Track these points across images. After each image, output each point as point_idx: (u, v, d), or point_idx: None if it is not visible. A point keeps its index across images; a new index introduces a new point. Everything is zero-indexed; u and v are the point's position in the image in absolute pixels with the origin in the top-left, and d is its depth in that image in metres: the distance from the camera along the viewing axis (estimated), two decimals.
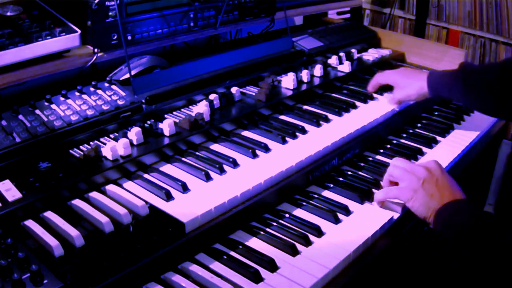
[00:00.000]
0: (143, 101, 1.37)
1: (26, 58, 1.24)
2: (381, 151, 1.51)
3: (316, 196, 1.27)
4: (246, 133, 1.42)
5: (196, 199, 1.13)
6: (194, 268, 1.03)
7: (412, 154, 1.48)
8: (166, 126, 1.30)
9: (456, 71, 1.48)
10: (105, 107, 1.30)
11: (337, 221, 1.18)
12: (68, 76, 1.41)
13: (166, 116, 1.39)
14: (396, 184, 1.23)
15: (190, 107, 1.45)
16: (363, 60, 1.95)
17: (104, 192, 1.14)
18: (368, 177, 1.37)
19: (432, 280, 1.51)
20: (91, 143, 1.24)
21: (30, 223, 1.00)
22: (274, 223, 1.17)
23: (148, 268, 0.97)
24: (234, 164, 1.25)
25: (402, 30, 3.52)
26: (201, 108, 1.41)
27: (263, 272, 1.02)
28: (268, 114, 1.53)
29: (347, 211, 1.21)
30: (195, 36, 1.60)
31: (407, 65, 2.04)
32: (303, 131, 1.43)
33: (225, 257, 1.06)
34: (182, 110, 1.43)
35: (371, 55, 1.98)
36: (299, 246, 1.10)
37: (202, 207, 1.09)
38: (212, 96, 1.47)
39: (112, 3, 1.34)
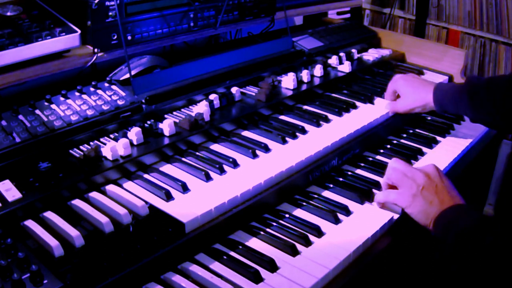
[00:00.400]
0: (143, 101, 1.37)
1: (26, 58, 1.24)
2: (381, 151, 1.51)
3: (316, 196, 1.27)
4: (246, 133, 1.42)
5: (196, 199, 1.13)
6: (194, 268, 1.02)
7: (412, 154, 1.48)
8: (166, 126, 1.30)
9: (462, 86, 1.45)
10: (105, 107, 1.30)
11: (337, 221, 1.18)
12: (68, 76, 1.41)
13: (166, 116, 1.39)
14: (395, 187, 1.22)
15: (190, 107, 1.45)
16: (363, 60, 1.95)
17: (104, 192, 1.14)
18: (368, 177, 1.37)
19: (432, 280, 1.51)
20: (91, 143, 1.23)
21: (30, 223, 1.00)
22: (274, 223, 1.17)
23: (148, 268, 0.97)
24: (234, 164, 1.25)
25: (402, 30, 3.51)
26: (201, 108, 1.41)
27: (263, 272, 1.02)
28: (268, 114, 1.52)
29: (347, 211, 1.21)
30: (195, 36, 1.60)
31: (407, 65, 2.04)
32: (303, 131, 1.43)
33: (225, 257, 1.06)
34: (182, 110, 1.43)
35: (371, 55, 1.98)
36: (299, 246, 1.10)
37: (202, 207, 1.09)
38: (212, 96, 1.47)
39: (112, 3, 1.34)
